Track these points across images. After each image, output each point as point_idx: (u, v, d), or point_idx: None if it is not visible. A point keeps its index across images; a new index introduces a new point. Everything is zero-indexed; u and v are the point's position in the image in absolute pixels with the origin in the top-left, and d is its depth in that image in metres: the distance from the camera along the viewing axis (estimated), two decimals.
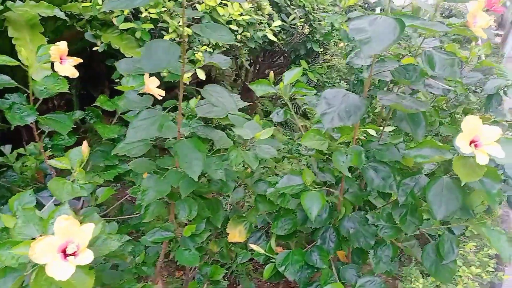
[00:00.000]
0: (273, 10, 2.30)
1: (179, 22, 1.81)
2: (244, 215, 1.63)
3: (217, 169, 1.20)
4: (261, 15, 2.15)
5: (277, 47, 2.59)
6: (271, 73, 1.57)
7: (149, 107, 1.11)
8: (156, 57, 0.90)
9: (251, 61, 2.95)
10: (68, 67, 1.28)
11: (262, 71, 2.97)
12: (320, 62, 2.79)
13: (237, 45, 2.01)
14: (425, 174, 1.24)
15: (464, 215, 1.17)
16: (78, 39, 2.06)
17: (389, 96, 1.16)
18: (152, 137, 1.05)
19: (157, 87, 1.26)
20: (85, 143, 1.21)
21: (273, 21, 2.29)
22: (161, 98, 1.56)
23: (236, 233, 1.63)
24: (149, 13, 1.79)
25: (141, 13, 1.80)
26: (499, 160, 1.02)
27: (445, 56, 1.17)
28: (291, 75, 1.48)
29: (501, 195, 1.13)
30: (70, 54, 1.24)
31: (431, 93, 1.34)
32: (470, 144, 1.03)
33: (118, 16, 1.78)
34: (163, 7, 1.79)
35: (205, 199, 1.49)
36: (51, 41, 2.23)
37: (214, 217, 1.46)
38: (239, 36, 1.96)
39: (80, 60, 1.29)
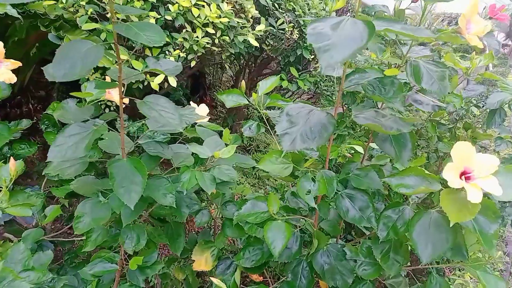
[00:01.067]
0: (259, 14, 2.13)
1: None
2: (212, 240, 1.46)
3: (167, 193, 1.03)
4: (245, 18, 1.98)
5: (264, 53, 2.41)
6: (243, 82, 1.40)
7: (86, 120, 0.94)
8: (71, 62, 0.73)
9: (240, 67, 2.78)
10: (4, 71, 1.11)
11: (252, 78, 2.80)
12: (311, 69, 2.61)
13: (214, 50, 1.84)
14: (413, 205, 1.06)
15: (455, 256, 0.98)
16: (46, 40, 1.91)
17: (366, 114, 0.98)
18: (80, 156, 0.87)
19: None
20: (12, 160, 1.04)
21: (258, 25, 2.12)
22: (124, 106, 1.40)
23: (202, 261, 1.44)
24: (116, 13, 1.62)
25: (106, 12, 1.64)
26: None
27: (434, 68, 0.99)
28: (267, 84, 1.31)
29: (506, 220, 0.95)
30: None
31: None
32: (461, 176, 0.85)
33: (82, 15, 1.62)
34: (132, 6, 1.62)
35: (165, 223, 1.31)
36: (20, 42, 2.09)
37: (173, 244, 1.29)
38: (216, 40, 1.78)
39: (19, 64, 1.12)
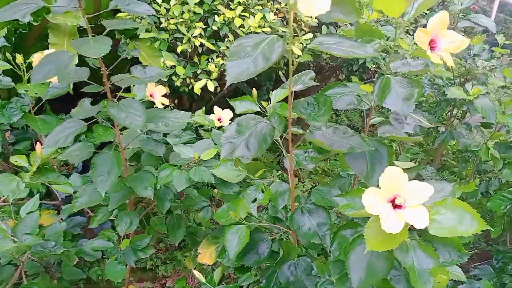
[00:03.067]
0: (318, 24, 2.14)
1: (193, 34, 1.81)
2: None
3: (148, 186, 1.16)
4: (297, 27, 2.02)
5: (324, 62, 2.39)
6: (254, 90, 1.46)
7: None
8: (49, 65, 0.90)
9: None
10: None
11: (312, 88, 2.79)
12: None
13: None
14: None
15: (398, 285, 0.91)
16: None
17: (325, 130, 0.97)
18: (68, 145, 1.06)
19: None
20: (38, 145, 1.29)
21: (320, 33, 2.13)
22: (163, 106, 1.59)
23: (206, 254, 1.55)
24: (169, 23, 1.83)
25: (161, 23, 1.85)
26: None
27: (405, 85, 0.93)
28: (280, 93, 1.35)
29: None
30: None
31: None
32: (393, 203, 0.79)
33: (141, 26, 1.86)
34: (181, 18, 1.81)
35: (169, 214, 1.46)
36: None
37: (172, 234, 1.42)
38: None
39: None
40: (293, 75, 1.08)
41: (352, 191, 0.94)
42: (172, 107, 2.12)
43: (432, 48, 0.87)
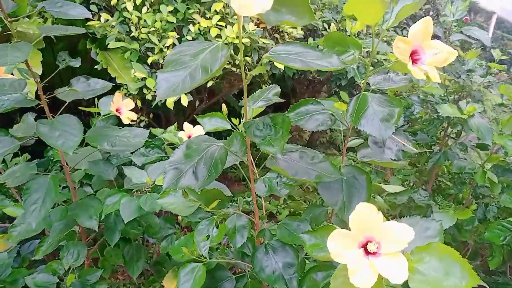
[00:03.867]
0: (304, 35, 2.02)
1: (165, 44, 1.68)
2: None
3: (93, 215, 1.01)
4: (280, 39, 1.89)
5: (310, 76, 2.25)
6: (224, 106, 1.31)
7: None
8: None
9: (290, 89, 2.65)
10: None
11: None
12: None
13: (233, 71, 1.78)
14: None
15: None
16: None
17: (291, 155, 0.82)
18: None
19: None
20: None
21: None
22: (129, 122, 1.45)
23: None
24: (140, 33, 1.69)
25: (131, 32, 1.72)
26: None
27: (384, 103, 0.79)
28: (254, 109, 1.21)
29: None
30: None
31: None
32: (364, 247, 0.64)
33: (111, 35, 1.73)
34: (153, 27, 1.67)
35: (128, 243, 1.30)
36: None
37: (130, 266, 1.26)
38: (237, 61, 1.73)
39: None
40: (270, 90, 0.95)
41: (321, 228, 0.79)
42: (146, 123, 1.98)
43: (414, 61, 0.73)
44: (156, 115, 2.10)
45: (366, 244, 0.64)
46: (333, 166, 0.81)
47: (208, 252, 1.01)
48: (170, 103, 1.70)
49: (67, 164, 1.06)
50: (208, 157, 0.77)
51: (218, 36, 1.69)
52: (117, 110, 1.47)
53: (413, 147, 0.91)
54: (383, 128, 0.75)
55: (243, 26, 1.73)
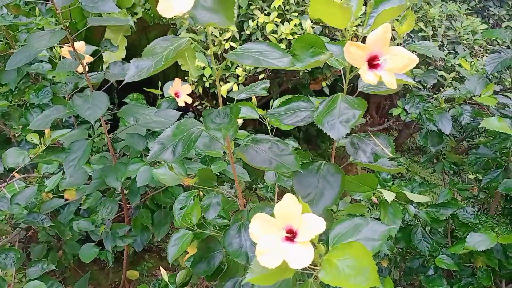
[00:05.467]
0: None
1: (224, 37, 1.82)
2: None
3: (118, 178, 1.20)
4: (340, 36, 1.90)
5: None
6: (253, 97, 1.41)
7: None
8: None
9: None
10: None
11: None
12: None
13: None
14: None
15: None
16: None
17: (261, 145, 0.90)
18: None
19: None
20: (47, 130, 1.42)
21: None
22: (183, 105, 1.66)
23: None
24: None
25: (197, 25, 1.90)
26: None
27: (352, 105, 0.82)
28: (280, 101, 1.31)
29: None
30: None
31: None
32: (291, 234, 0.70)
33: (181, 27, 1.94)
34: None
35: (159, 209, 1.49)
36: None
37: (157, 229, 1.46)
38: None
39: (91, 58, 1.49)
40: (258, 85, 1.03)
41: None
42: (209, 107, 2.17)
43: (374, 66, 0.75)
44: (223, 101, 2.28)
45: (288, 231, 0.70)
46: (296, 160, 0.86)
47: (203, 224, 1.14)
48: (224, 91, 1.85)
49: (108, 133, 1.28)
50: (187, 137, 0.89)
51: (274, 31, 1.78)
52: (175, 94, 1.67)
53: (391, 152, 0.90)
54: (341, 128, 0.79)
55: (300, 23, 1.79)
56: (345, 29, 0.80)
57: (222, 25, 0.62)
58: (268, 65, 0.73)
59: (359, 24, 1.65)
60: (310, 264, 0.72)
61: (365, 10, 0.84)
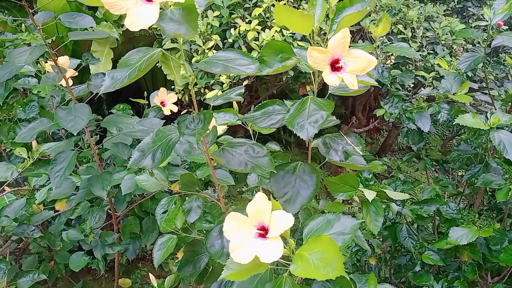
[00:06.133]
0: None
1: (208, 46, 1.87)
2: None
3: (104, 187, 1.24)
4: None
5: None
6: (235, 104, 1.45)
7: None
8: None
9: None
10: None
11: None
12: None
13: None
14: None
15: None
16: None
17: (238, 149, 0.93)
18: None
19: None
20: (34, 141, 1.45)
21: None
22: (169, 113, 1.70)
23: None
24: None
25: None
26: None
27: (320, 107, 0.86)
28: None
29: None
30: None
31: None
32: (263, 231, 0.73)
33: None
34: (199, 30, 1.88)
35: (147, 216, 1.52)
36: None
37: (145, 235, 1.49)
38: None
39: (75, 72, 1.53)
40: (234, 90, 1.07)
41: None
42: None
43: (337, 69, 0.79)
44: (206, 108, 2.32)
45: (260, 228, 0.74)
46: (271, 162, 0.90)
47: (189, 229, 1.17)
48: (209, 96, 1.90)
49: (94, 144, 1.31)
50: (165, 143, 0.93)
51: (256, 39, 1.83)
52: (161, 103, 1.71)
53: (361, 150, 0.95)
54: (310, 129, 0.82)
55: (281, 30, 1.84)
56: (309, 34, 0.83)
57: (187, 36, 0.66)
58: (237, 72, 0.77)
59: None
60: (285, 260, 0.77)
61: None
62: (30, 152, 1.44)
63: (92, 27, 1.82)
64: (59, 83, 1.18)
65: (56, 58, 1.17)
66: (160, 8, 0.66)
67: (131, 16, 0.63)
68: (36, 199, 1.44)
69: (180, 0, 0.65)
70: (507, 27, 3.00)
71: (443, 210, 1.68)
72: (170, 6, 0.70)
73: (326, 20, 0.89)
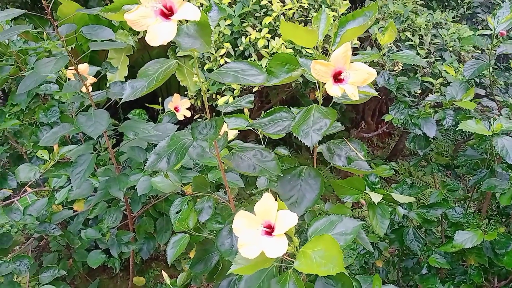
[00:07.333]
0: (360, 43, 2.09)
1: (219, 54, 1.94)
2: None
3: (121, 188, 1.31)
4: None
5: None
6: (246, 110, 1.52)
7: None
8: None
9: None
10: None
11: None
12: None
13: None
14: None
15: None
16: None
17: (247, 153, 0.99)
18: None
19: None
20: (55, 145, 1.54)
21: None
22: (183, 118, 1.77)
23: None
24: None
25: None
26: None
27: (324, 115, 0.92)
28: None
29: None
30: None
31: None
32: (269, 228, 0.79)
33: None
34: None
35: (161, 217, 1.59)
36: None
37: (159, 235, 1.55)
38: None
39: (95, 79, 1.61)
40: (244, 98, 1.14)
41: None
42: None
43: (340, 81, 0.84)
44: (218, 113, 2.39)
45: (266, 226, 0.79)
46: (277, 165, 0.96)
47: (200, 228, 1.23)
48: (221, 103, 1.97)
49: (111, 147, 1.39)
50: (180, 147, 0.99)
51: (266, 46, 1.89)
52: (175, 108, 1.79)
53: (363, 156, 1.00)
54: (314, 136, 0.88)
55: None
56: (314, 47, 0.89)
57: (201, 50, 0.73)
58: (246, 82, 0.83)
59: None
60: (290, 257, 0.82)
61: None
62: (51, 154, 1.52)
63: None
64: (81, 90, 1.25)
65: (77, 66, 1.25)
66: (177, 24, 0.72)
67: (151, 32, 0.70)
68: (56, 199, 1.51)
69: (196, 18, 0.71)
70: None
71: (449, 214, 1.71)
72: (186, 22, 0.77)
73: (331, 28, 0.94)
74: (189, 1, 0.79)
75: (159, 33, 0.69)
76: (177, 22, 0.71)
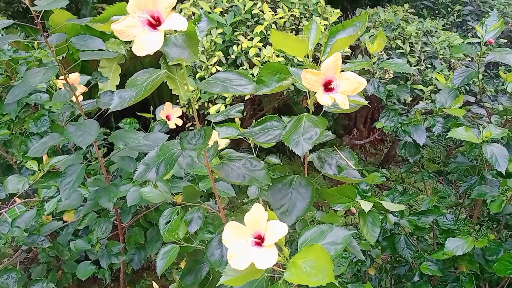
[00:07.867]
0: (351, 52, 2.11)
1: (211, 62, 1.94)
2: None
3: (111, 198, 1.29)
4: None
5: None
6: (237, 119, 1.51)
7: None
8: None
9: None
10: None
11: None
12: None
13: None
14: None
15: None
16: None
17: (237, 162, 0.99)
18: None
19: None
20: (45, 155, 1.52)
21: None
22: (174, 127, 1.76)
23: None
24: None
25: None
26: None
27: (315, 124, 0.92)
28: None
29: None
30: None
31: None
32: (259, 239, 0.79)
33: None
34: (203, 47, 1.95)
35: (151, 227, 1.58)
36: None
37: (150, 245, 1.54)
38: None
39: (85, 89, 1.60)
40: (233, 108, 1.13)
41: None
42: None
43: (330, 90, 0.85)
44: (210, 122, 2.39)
45: (256, 236, 0.79)
46: (267, 175, 0.95)
47: (191, 239, 1.22)
48: (212, 112, 1.96)
49: (102, 157, 1.38)
50: (169, 157, 0.98)
51: (257, 55, 1.90)
52: (167, 116, 1.78)
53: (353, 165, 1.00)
54: (304, 145, 0.88)
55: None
56: (304, 57, 0.89)
57: (189, 60, 0.72)
58: (234, 92, 0.83)
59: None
60: (280, 268, 0.81)
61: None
62: (40, 164, 1.51)
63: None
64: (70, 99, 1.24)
65: (67, 75, 1.24)
66: (165, 34, 0.72)
67: (138, 42, 0.69)
68: (45, 210, 1.49)
69: (183, 28, 0.71)
70: (506, 40, 3.06)
71: (441, 221, 1.72)
72: (174, 32, 0.77)
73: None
74: (181, 11, 0.79)
75: (146, 43, 0.69)
76: (164, 33, 0.71)
